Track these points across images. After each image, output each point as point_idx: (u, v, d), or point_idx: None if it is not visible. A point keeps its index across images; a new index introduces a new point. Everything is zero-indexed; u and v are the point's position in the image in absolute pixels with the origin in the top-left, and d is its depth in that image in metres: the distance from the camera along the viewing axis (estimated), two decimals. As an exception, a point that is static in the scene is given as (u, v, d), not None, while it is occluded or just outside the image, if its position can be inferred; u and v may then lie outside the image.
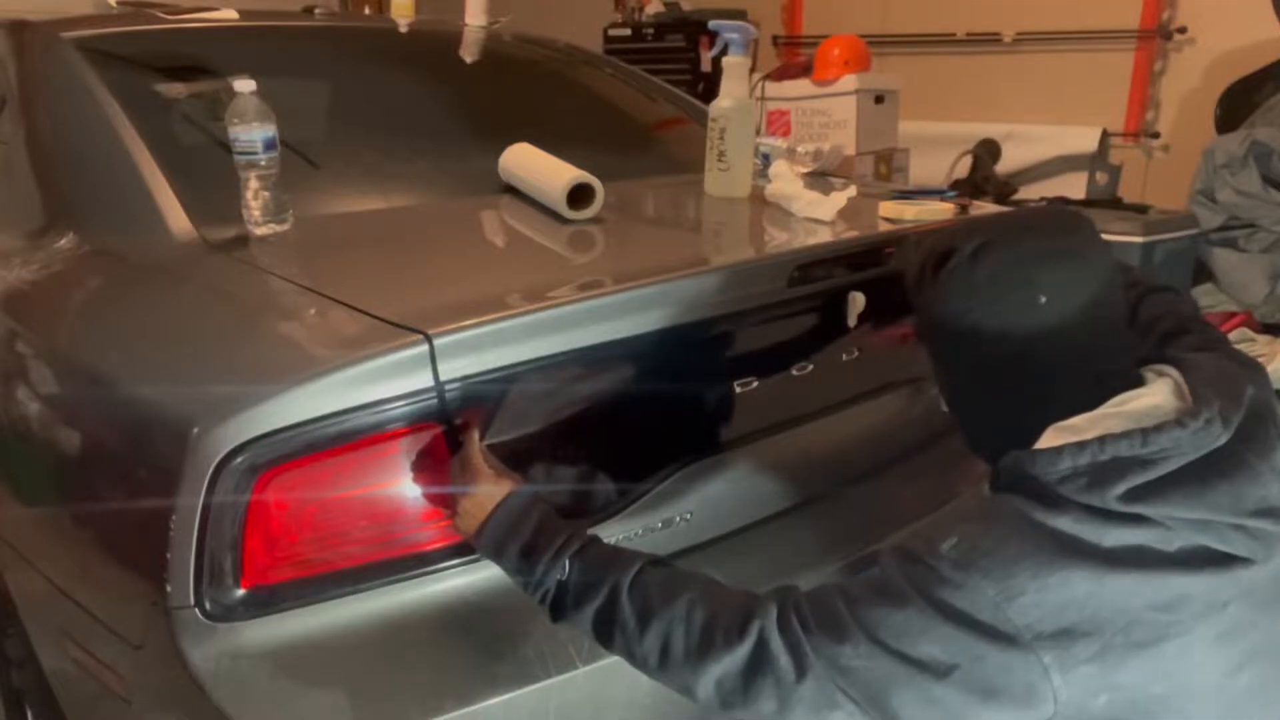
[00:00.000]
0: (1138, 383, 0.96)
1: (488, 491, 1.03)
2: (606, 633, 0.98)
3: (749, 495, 1.34)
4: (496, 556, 1.02)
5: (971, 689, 0.86)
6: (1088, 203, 3.86)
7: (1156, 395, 0.93)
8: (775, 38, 5.35)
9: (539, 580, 0.99)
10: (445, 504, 1.06)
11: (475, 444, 1.04)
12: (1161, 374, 0.97)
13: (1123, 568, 0.85)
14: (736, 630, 0.92)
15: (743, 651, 0.91)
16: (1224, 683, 0.89)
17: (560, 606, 0.99)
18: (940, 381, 1.08)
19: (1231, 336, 3.36)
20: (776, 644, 0.91)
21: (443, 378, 1.01)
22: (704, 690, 0.94)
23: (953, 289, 0.97)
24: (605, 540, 1.04)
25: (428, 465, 1.05)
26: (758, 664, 0.91)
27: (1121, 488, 0.85)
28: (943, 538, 0.90)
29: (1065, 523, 0.86)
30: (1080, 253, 0.96)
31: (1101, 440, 0.87)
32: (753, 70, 2.14)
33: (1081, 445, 0.87)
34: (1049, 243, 0.96)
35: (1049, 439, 0.92)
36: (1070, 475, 0.87)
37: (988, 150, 3.94)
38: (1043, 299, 0.93)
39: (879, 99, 3.65)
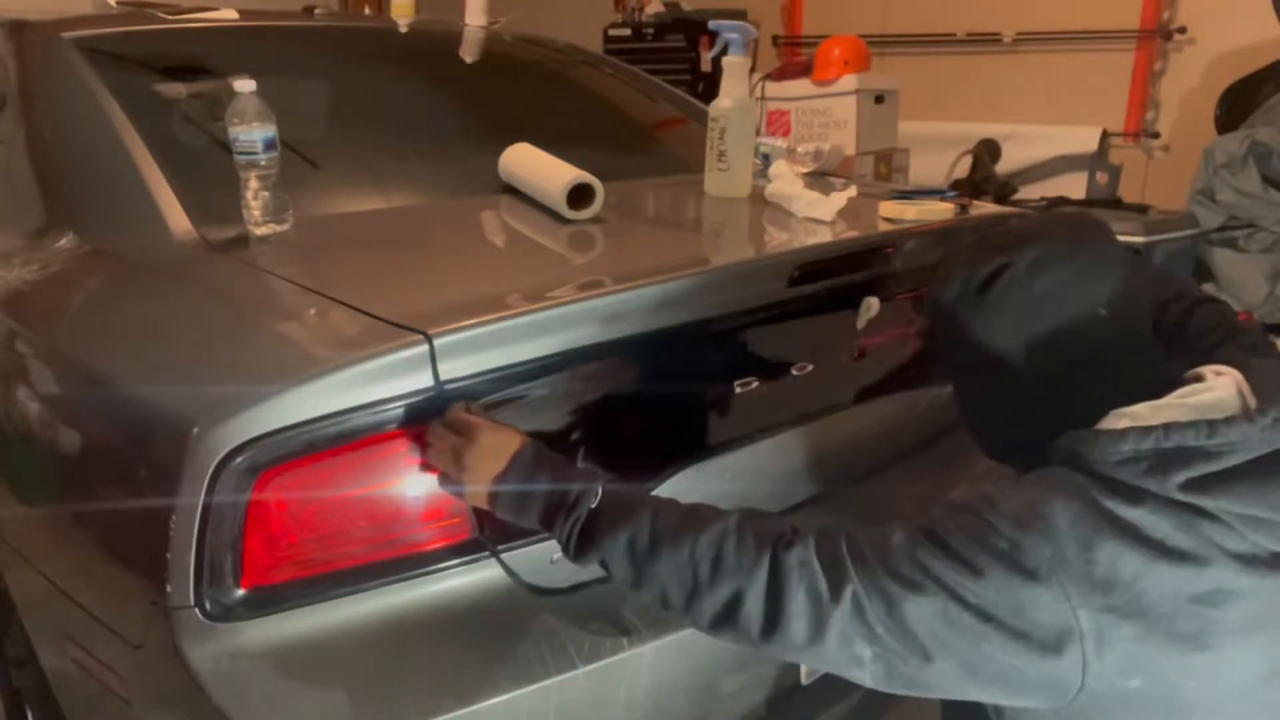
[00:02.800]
0: (1197, 381, 0.96)
1: (498, 440, 0.99)
2: (641, 557, 0.94)
3: (748, 496, 1.34)
4: (522, 497, 0.98)
5: (1007, 633, 0.85)
6: (1088, 203, 3.86)
7: (1220, 391, 0.92)
8: (775, 38, 5.35)
9: (570, 507, 0.96)
10: (452, 464, 1.00)
11: (462, 406, 1.02)
12: (1220, 373, 0.96)
13: (1174, 557, 0.84)
14: (784, 544, 0.91)
15: (788, 563, 0.90)
16: (1259, 689, 0.88)
17: (591, 535, 0.96)
18: (970, 395, 1.06)
19: (1231, 337, 3.36)
20: (816, 563, 0.90)
21: (443, 378, 1.01)
22: (747, 609, 0.91)
23: (1009, 305, 0.96)
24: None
25: (429, 465, 1.05)
26: (799, 578, 0.89)
27: (1183, 477, 0.84)
28: (1002, 498, 0.90)
29: (1120, 505, 0.86)
30: (1124, 261, 0.97)
31: (1167, 427, 0.86)
32: (753, 70, 2.14)
33: (1146, 430, 0.86)
34: (1101, 253, 0.96)
35: (1110, 422, 0.92)
36: (1131, 459, 0.86)
37: (988, 150, 3.94)
38: (1103, 311, 0.93)
39: (879, 99, 3.65)
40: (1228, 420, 0.86)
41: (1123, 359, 0.95)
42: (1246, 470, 0.85)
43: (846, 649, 0.89)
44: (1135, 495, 0.86)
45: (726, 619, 0.92)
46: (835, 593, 0.88)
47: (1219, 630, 0.85)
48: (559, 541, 0.99)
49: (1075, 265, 0.95)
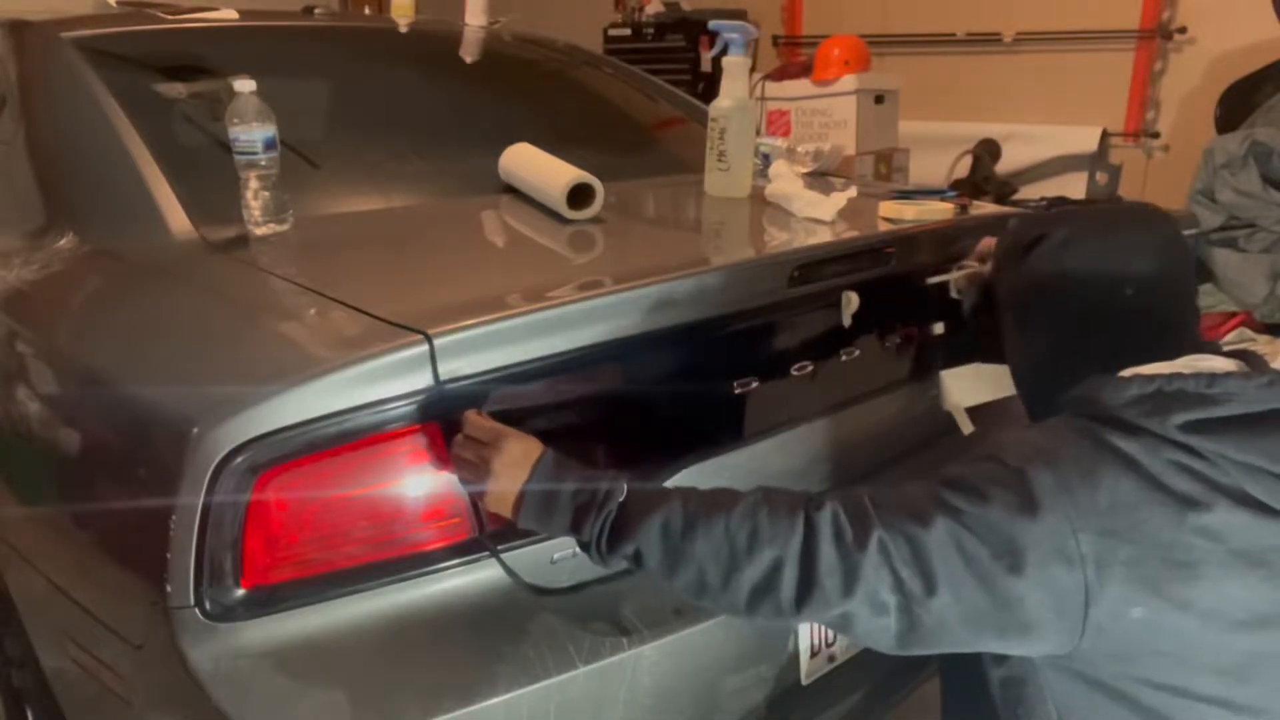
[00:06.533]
0: (1213, 351, 1.04)
1: (521, 447, 1.01)
2: (675, 540, 0.96)
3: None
4: (549, 501, 0.99)
5: (1014, 558, 0.90)
6: (1088, 203, 3.85)
7: (1225, 363, 1.01)
8: (775, 38, 5.34)
9: (600, 505, 0.98)
10: (478, 474, 1.01)
11: (476, 413, 1.03)
12: (1226, 355, 1.04)
13: (1169, 491, 0.90)
14: (814, 505, 0.97)
15: (819, 520, 0.95)
16: (1245, 638, 0.92)
17: (623, 528, 0.97)
18: (1012, 343, 1.18)
19: (1231, 336, 3.37)
20: (844, 515, 0.95)
21: (443, 377, 1.01)
22: (785, 573, 0.93)
23: (1041, 271, 1.09)
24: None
25: (428, 465, 1.05)
26: (830, 531, 0.94)
27: (1182, 418, 0.92)
28: (1011, 440, 0.99)
29: (1122, 439, 0.93)
30: (1169, 253, 1.06)
31: (1170, 376, 0.95)
32: (753, 70, 2.14)
33: (1150, 378, 0.96)
34: (1139, 242, 1.06)
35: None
36: (1135, 400, 0.95)
37: (988, 150, 3.94)
38: (1129, 291, 1.03)
39: (879, 99, 3.65)
40: (1226, 374, 0.95)
41: (1148, 337, 1.03)
42: (1242, 420, 0.92)
43: (873, 599, 0.92)
44: (1136, 431, 0.94)
45: (766, 589, 0.94)
46: (862, 540, 0.93)
47: (1213, 561, 0.90)
48: (589, 540, 0.99)
49: (1104, 248, 1.06)
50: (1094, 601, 0.90)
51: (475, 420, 1.02)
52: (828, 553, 0.93)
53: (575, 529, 1.00)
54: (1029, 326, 1.14)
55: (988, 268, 1.50)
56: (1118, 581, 0.90)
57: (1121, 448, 0.93)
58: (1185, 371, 0.96)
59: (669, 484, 1.20)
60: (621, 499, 0.98)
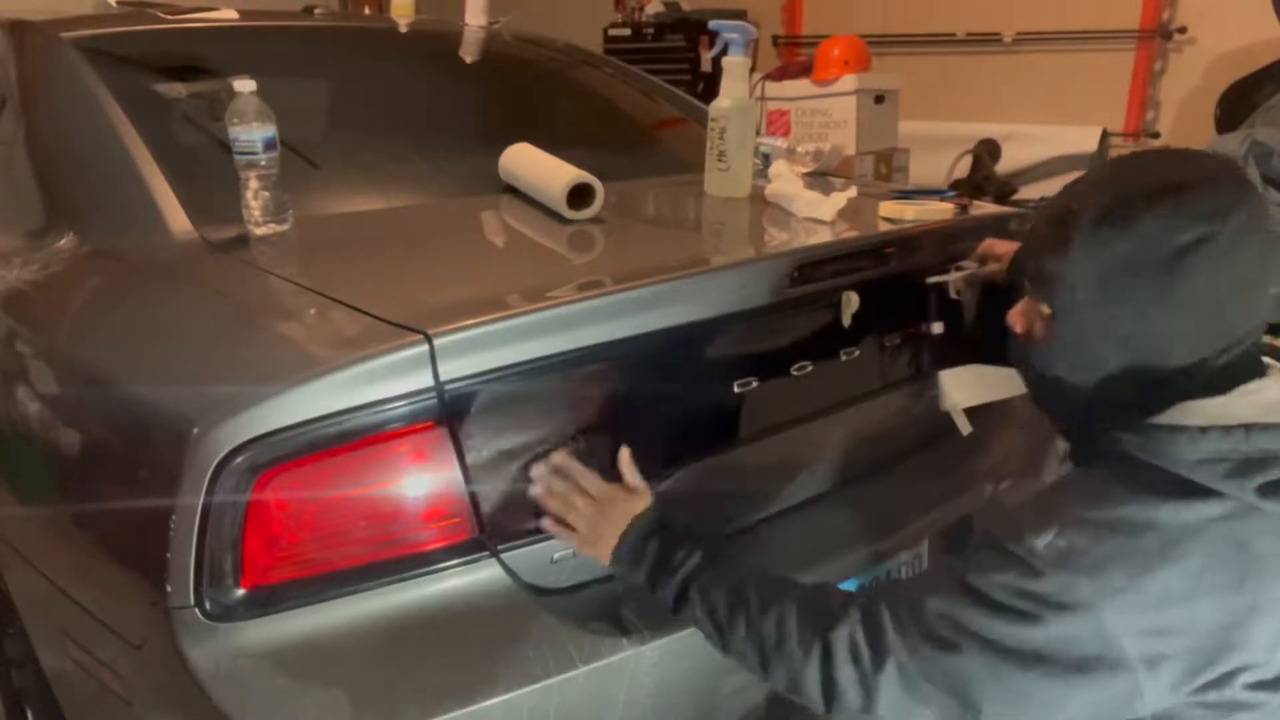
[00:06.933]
0: (1259, 371, 0.93)
1: (626, 510, 1.12)
2: (722, 628, 1.05)
3: (750, 495, 1.34)
4: (635, 562, 1.10)
5: (1057, 678, 0.86)
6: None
7: (1272, 390, 0.91)
8: (775, 38, 5.34)
9: (672, 571, 1.08)
10: (579, 528, 1.11)
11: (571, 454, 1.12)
12: (1270, 365, 0.95)
13: (1242, 558, 0.84)
14: (834, 623, 0.98)
15: (836, 643, 0.97)
16: None
17: (684, 600, 1.08)
18: (1059, 350, 0.98)
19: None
20: (861, 635, 0.96)
21: (443, 378, 1.01)
22: (808, 686, 0.99)
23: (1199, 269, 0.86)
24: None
25: (428, 465, 1.05)
26: (845, 657, 0.96)
27: (1260, 480, 0.84)
28: (1038, 529, 0.89)
29: (1186, 508, 0.85)
30: None
31: (1247, 429, 0.86)
32: (753, 70, 2.14)
33: (1227, 430, 0.86)
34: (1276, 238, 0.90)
35: (1176, 416, 0.90)
36: (1211, 459, 0.85)
37: (988, 150, 3.94)
38: (1275, 290, 0.90)
39: (879, 99, 3.65)
40: None
41: (1229, 347, 0.90)
42: None
43: (903, 712, 0.94)
44: (1209, 496, 0.85)
45: (793, 690, 1.01)
46: (878, 665, 0.94)
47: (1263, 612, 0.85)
48: (663, 600, 1.10)
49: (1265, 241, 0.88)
50: (1147, 695, 0.86)
51: (586, 478, 1.12)
52: (845, 674, 0.96)
53: (650, 589, 1.10)
54: (1105, 332, 0.91)
55: (988, 269, 1.50)
56: (1170, 671, 0.85)
57: (1182, 522, 0.85)
58: (1251, 419, 0.86)
59: (669, 483, 1.21)
60: (687, 572, 1.08)
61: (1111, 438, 0.93)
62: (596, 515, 1.11)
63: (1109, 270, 0.89)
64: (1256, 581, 0.85)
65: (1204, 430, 0.87)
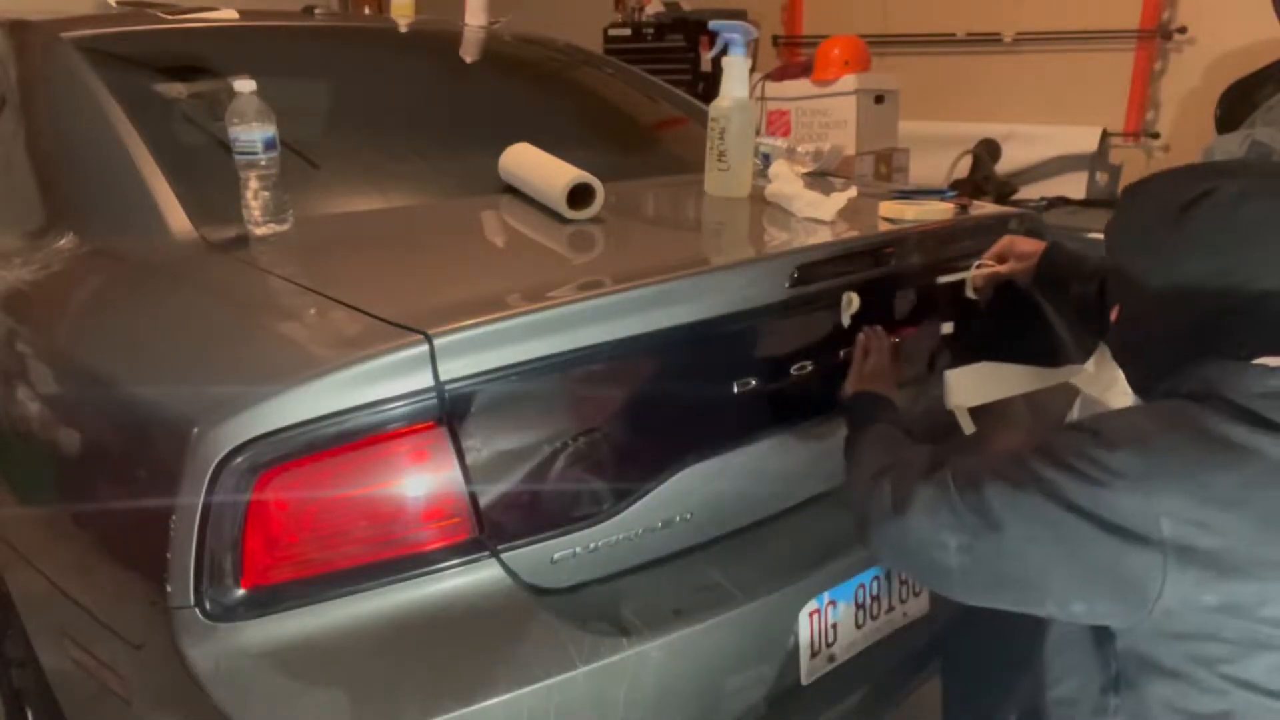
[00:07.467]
0: None
1: (882, 372, 1.34)
2: (849, 458, 1.25)
3: (750, 495, 1.34)
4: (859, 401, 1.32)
5: (1084, 527, 0.92)
6: (1087, 203, 3.85)
7: None
8: (775, 38, 5.34)
9: (847, 408, 1.33)
10: (857, 365, 1.35)
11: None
12: None
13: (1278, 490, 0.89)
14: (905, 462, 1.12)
15: (909, 458, 1.11)
16: None
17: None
18: (1134, 317, 1.09)
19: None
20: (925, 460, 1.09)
21: (443, 378, 1.01)
22: (881, 499, 1.09)
23: (1201, 232, 0.99)
24: (604, 541, 1.07)
25: (428, 465, 1.05)
26: (910, 472, 1.08)
27: None
28: (1108, 418, 0.99)
29: (1247, 432, 0.90)
30: None
31: None
32: (753, 70, 2.13)
33: None
34: None
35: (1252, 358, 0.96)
36: (1275, 393, 0.92)
37: (988, 150, 3.94)
38: None
39: (879, 99, 3.65)
40: None
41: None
42: None
43: (935, 533, 1.01)
44: (1266, 425, 0.90)
45: (904, 510, 1.07)
46: (928, 474, 1.05)
47: None
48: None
49: None
50: (1169, 582, 0.90)
51: (877, 340, 1.36)
52: (900, 481, 1.07)
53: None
54: (1164, 299, 1.01)
55: (1006, 267, 1.50)
56: (1196, 568, 0.89)
57: (1241, 441, 0.90)
58: None
59: (669, 483, 1.21)
60: (855, 409, 1.31)
61: (1187, 375, 0.99)
62: (873, 361, 1.35)
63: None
64: None
65: (1272, 369, 0.93)
